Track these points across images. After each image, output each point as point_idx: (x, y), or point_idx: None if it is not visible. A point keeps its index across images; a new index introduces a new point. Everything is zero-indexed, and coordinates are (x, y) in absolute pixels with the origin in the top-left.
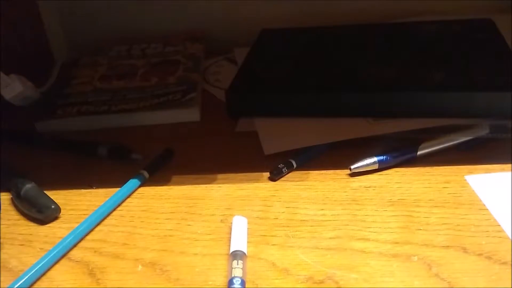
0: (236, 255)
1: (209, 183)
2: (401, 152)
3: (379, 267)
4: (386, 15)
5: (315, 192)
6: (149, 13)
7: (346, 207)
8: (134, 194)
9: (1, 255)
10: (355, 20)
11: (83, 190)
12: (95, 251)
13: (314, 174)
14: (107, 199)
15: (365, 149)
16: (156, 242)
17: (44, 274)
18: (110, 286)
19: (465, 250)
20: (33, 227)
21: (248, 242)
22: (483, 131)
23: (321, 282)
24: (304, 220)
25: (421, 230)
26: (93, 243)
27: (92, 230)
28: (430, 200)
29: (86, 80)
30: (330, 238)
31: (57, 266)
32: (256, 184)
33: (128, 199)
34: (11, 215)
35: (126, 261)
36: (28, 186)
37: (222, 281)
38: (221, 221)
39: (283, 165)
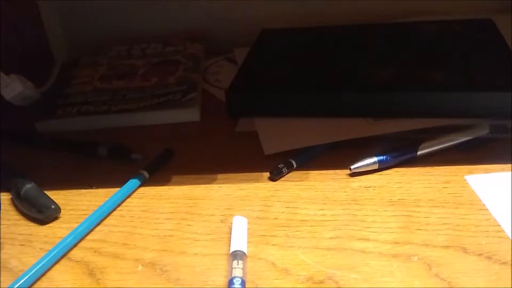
0: (236, 255)
1: (209, 183)
2: (401, 152)
3: (379, 267)
4: (386, 15)
5: (315, 192)
6: (149, 13)
7: (346, 207)
8: (134, 194)
9: (1, 255)
10: (355, 20)
11: (83, 190)
12: (95, 251)
13: (314, 174)
14: (107, 199)
15: (365, 149)
16: (156, 242)
17: (44, 274)
18: (110, 286)
19: (465, 250)
20: (33, 227)
21: (248, 242)
22: (483, 131)
23: (321, 282)
24: (304, 220)
25: (421, 230)
26: (93, 243)
27: (92, 230)
28: (430, 200)
29: (86, 80)
30: (330, 238)
31: (57, 266)
32: (256, 184)
33: (128, 199)
34: (11, 215)
35: (126, 261)
36: (28, 186)
37: (222, 281)
38: (221, 221)
39: (283, 165)
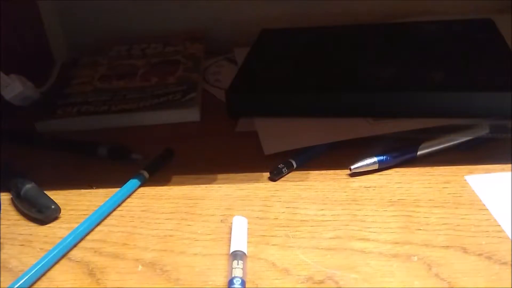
0: (236, 255)
1: (209, 183)
2: (401, 152)
3: (379, 267)
4: (386, 15)
5: (315, 192)
6: (149, 13)
7: (346, 207)
8: (134, 194)
9: (1, 255)
10: (355, 20)
11: (83, 190)
12: (95, 251)
13: (314, 174)
14: (107, 199)
15: (365, 149)
16: (156, 242)
17: (44, 274)
18: (110, 286)
19: (465, 250)
20: (33, 227)
21: (248, 242)
22: (483, 131)
23: (321, 282)
24: (304, 220)
25: (421, 230)
26: (93, 243)
27: (92, 230)
28: (430, 200)
29: (86, 80)
30: (330, 238)
31: (57, 266)
32: (256, 184)
33: (128, 199)
34: (11, 215)
35: (126, 261)
36: (28, 186)
37: (222, 281)
38: (221, 221)
39: (283, 165)
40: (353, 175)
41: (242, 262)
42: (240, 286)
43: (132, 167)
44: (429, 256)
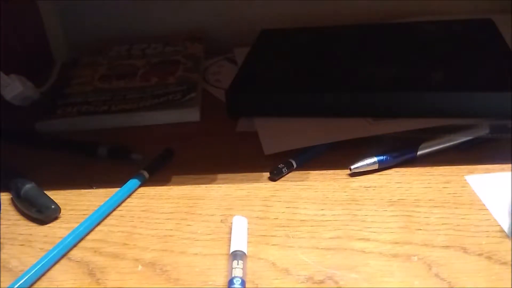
0: (236, 255)
1: (209, 183)
2: (401, 152)
3: (379, 267)
4: (386, 15)
5: (315, 192)
6: (149, 13)
7: (346, 207)
8: (134, 194)
9: (1, 255)
10: (355, 20)
11: (83, 190)
12: (95, 251)
13: (314, 174)
14: (107, 199)
15: (365, 149)
16: (156, 242)
17: (44, 274)
18: (110, 286)
19: (465, 250)
20: (33, 227)
21: (248, 242)
22: (483, 131)
23: (321, 282)
24: (304, 220)
25: (421, 230)
26: (93, 243)
27: (92, 230)
28: (430, 200)
29: (86, 80)
30: (330, 238)
31: (57, 266)
32: (256, 184)
33: (128, 199)
34: (11, 215)
35: (126, 261)
36: (28, 186)
37: (222, 281)
38: (221, 221)
39: (283, 165)
40: (353, 175)
41: (242, 262)
42: (240, 286)
43: (132, 167)
44: (429, 256)
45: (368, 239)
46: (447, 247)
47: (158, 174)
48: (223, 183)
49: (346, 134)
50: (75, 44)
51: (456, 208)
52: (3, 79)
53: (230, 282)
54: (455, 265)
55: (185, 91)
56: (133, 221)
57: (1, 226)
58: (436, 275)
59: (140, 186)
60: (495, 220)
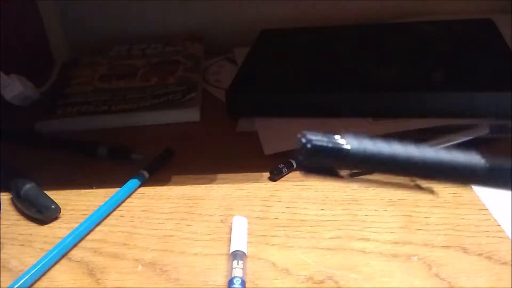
0: (236, 255)
1: (209, 183)
2: None
3: (379, 267)
4: (386, 15)
5: (315, 192)
6: (149, 13)
7: (346, 207)
8: (134, 194)
9: (1, 255)
10: (355, 20)
11: (83, 190)
12: (95, 251)
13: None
14: (107, 199)
15: None
16: (156, 242)
17: (44, 274)
18: (110, 286)
19: (465, 250)
20: (33, 227)
21: (248, 242)
22: (483, 131)
23: (321, 282)
24: (304, 220)
25: (421, 230)
26: (93, 243)
27: (92, 230)
28: (430, 200)
29: (86, 80)
30: (330, 238)
31: (57, 266)
32: (256, 184)
33: (128, 199)
34: (11, 215)
35: (126, 261)
36: (28, 186)
37: (222, 281)
38: (221, 221)
39: (283, 165)
40: (353, 175)
41: (242, 262)
42: (240, 286)
43: (132, 167)
44: (429, 256)
45: (368, 239)
46: (447, 247)
47: (158, 174)
48: (223, 183)
49: None
50: (75, 44)
51: (456, 208)
52: (3, 79)
53: (230, 282)
54: (455, 265)
55: (185, 91)
56: (133, 221)
57: (1, 226)
58: (436, 275)
59: (140, 186)
60: (495, 220)
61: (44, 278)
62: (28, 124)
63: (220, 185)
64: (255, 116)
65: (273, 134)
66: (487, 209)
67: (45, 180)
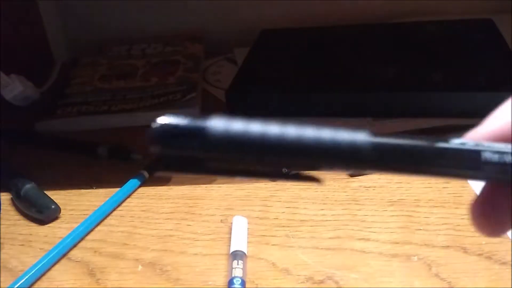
0: (236, 255)
1: (209, 183)
2: None
3: (379, 267)
4: (386, 15)
5: (315, 192)
6: (149, 13)
7: (346, 207)
8: (134, 194)
9: (1, 255)
10: (355, 20)
11: (83, 190)
12: (95, 251)
13: (314, 174)
14: (107, 199)
15: None
16: (156, 242)
17: (44, 274)
18: (110, 286)
19: (465, 250)
20: (33, 227)
21: (248, 242)
22: None
23: (321, 282)
24: (304, 220)
25: (421, 230)
26: (93, 243)
27: (92, 230)
28: (430, 200)
29: (86, 80)
30: (330, 238)
31: (57, 266)
32: (256, 184)
33: (128, 199)
34: (11, 215)
35: (126, 261)
36: (28, 186)
37: (222, 281)
38: (221, 221)
39: None
40: (353, 175)
41: (242, 262)
42: (240, 286)
43: (132, 167)
44: (429, 256)
45: (368, 239)
46: (447, 247)
47: (158, 174)
48: (223, 183)
49: None
50: (75, 44)
51: (456, 208)
52: (3, 79)
53: (230, 282)
54: (455, 265)
55: (185, 91)
56: (133, 221)
57: (1, 226)
58: (436, 275)
59: (140, 186)
60: None
61: (44, 278)
62: (28, 124)
63: (220, 185)
64: (255, 116)
65: None
66: None
67: (45, 180)
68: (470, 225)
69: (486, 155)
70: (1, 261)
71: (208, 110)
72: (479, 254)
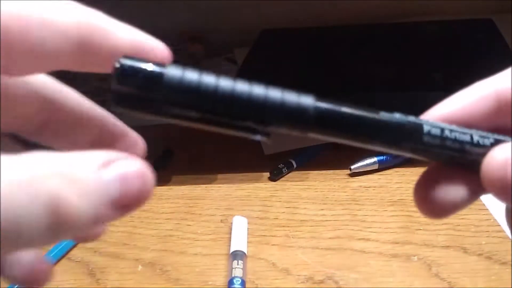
0: (236, 255)
1: (209, 183)
2: None
3: (379, 267)
4: (386, 15)
5: (315, 192)
6: (149, 13)
7: (346, 207)
8: None
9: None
10: (355, 20)
11: None
12: (95, 251)
13: (314, 174)
14: None
15: (365, 149)
16: (156, 242)
17: None
18: (110, 286)
19: (465, 250)
20: None
21: (248, 242)
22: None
23: (321, 282)
24: (304, 220)
25: (421, 230)
26: (93, 243)
27: None
28: None
29: (86, 80)
30: (330, 238)
31: (57, 266)
32: (256, 184)
33: None
34: None
35: (126, 261)
36: None
37: (222, 281)
38: (221, 221)
39: (283, 165)
40: (353, 175)
41: (242, 262)
42: (240, 286)
43: None
44: (429, 256)
45: (368, 239)
46: (447, 247)
47: (158, 174)
48: (223, 183)
49: None
50: None
51: None
52: None
53: (230, 282)
54: (455, 265)
55: None
56: (133, 221)
57: None
58: (436, 275)
59: None
60: (495, 220)
61: None
62: None
63: (220, 185)
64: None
65: (273, 134)
66: (487, 209)
67: None
68: (470, 225)
69: (427, 128)
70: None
71: None
72: (479, 254)
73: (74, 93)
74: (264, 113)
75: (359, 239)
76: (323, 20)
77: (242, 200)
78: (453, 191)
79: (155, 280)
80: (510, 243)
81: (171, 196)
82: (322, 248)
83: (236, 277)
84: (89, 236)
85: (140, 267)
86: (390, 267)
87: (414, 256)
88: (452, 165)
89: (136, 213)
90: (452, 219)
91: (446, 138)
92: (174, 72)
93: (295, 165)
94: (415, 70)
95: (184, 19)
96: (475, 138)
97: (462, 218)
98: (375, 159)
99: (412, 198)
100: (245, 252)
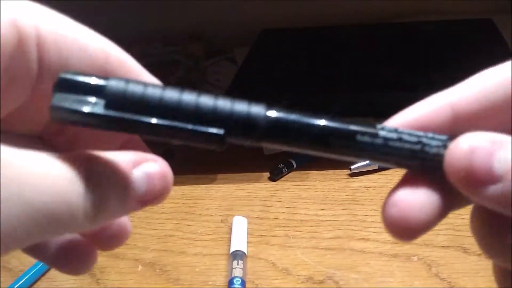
0: (236, 255)
1: (209, 183)
2: None
3: (379, 267)
4: (386, 15)
5: (315, 192)
6: (149, 13)
7: (346, 207)
8: None
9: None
10: (355, 20)
11: None
12: None
13: (314, 174)
14: None
15: None
16: (156, 242)
17: (44, 274)
18: (110, 286)
19: (465, 250)
20: None
21: (248, 242)
22: None
23: (321, 282)
24: (304, 220)
25: None
26: None
27: None
28: None
29: None
30: (330, 238)
31: None
32: (256, 184)
33: None
34: None
35: (126, 261)
36: None
37: (222, 281)
38: (221, 221)
39: (283, 165)
40: (353, 175)
41: (242, 262)
42: (240, 286)
43: None
44: (429, 256)
45: (368, 239)
46: (447, 247)
47: None
48: (223, 183)
49: None
50: None
51: None
52: None
53: (230, 282)
54: (455, 265)
55: None
56: (133, 221)
57: None
58: (436, 275)
59: None
60: None
61: (44, 278)
62: None
63: (220, 185)
64: None
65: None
66: None
67: None
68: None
69: (359, 138)
70: (1, 261)
71: None
72: (479, 254)
73: None
74: (215, 122)
75: (359, 239)
76: (323, 20)
77: (242, 200)
78: (422, 204)
79: (155, 280)
80: None
81: (171, 196)
82: (322, 248)
83: (236, 277)
84: (117, 240)
85: (140, 267)
86: (390, 267)
87: (414, 256)
88: (417, 169)
89: (136, 213)
90: (452, 219)
91: (402, 133)
92: (115, 83)
93: (295, 165)
94: (415, 70)
95: (184, 19)
96: (429, 134)
97: (462, 218)
98: None
99: None
100: (245, 252)
